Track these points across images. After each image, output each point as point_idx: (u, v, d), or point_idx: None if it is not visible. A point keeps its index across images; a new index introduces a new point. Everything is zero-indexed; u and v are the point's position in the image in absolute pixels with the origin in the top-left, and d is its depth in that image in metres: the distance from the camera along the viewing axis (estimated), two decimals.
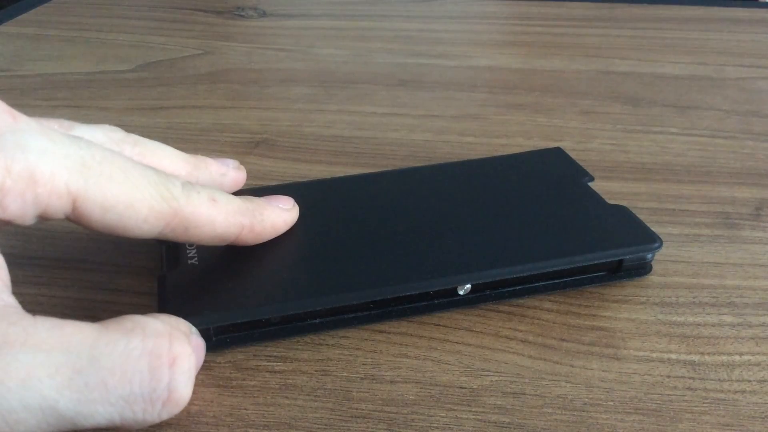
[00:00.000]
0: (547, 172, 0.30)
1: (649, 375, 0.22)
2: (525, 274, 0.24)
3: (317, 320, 0.23)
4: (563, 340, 0.23)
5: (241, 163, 0.28)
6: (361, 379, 0.22)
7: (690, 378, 0.22)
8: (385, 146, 0.36)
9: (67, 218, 0.20)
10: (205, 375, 0.22)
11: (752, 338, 0.24)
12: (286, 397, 0.21)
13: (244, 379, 0.22)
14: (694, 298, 0.25)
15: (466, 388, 0.22)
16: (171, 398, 0.18)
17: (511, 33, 0.55)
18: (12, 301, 0.18)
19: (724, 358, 0.23)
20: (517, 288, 0.25)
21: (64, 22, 0.57)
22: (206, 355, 0.22)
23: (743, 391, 0.21)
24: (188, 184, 0.22)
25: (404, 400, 0.21)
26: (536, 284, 0.25)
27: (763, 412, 0.21)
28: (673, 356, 0.23)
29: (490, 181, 0.29)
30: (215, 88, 0.44)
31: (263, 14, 0.59)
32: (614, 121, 0.39)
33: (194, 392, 0.21)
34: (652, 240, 0.25)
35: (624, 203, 0.27)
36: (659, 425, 0.20)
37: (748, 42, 0.51)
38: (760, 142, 0.37)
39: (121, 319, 0.19)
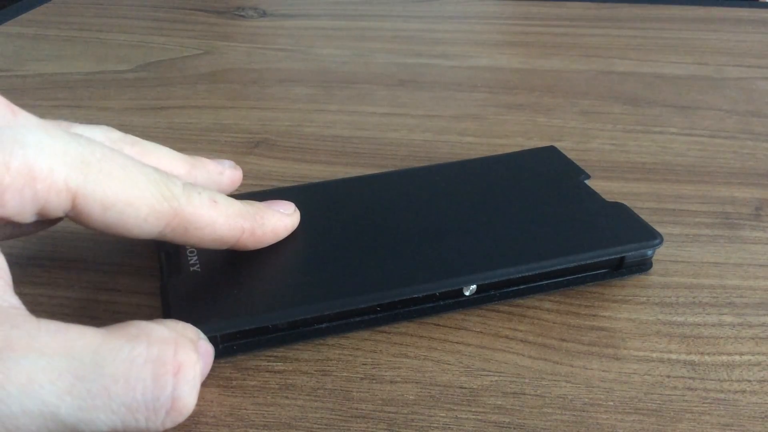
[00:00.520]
0: (543, 170, 0.30)
1: (649, 375, 0.22)
2: (531, 273, 0.24)
3: (324, 325, 0.23)
4: (563, 340, 0.23)
5: (241, 163, 0.28)
6: (361, 379, 0.22)
7: (690, 378, 0.22)
8: (385, 146, 0.36)
9: (67, 216, 0.20)
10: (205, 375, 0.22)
11: (752, 338, 0.24)
12: (286, 397, 0.21)
13: (244, 379, 0.22)
14: (694, 298, 0.25)
15: (466, 388, 0.22)
16: (175, 407, 0.18)
17: (511, 33, 0.55)
18: (16, 302, 0.18)
19: (724, 358, 0.23)
20: (522, 287, 0.25)
21: (64, 22, 0.57)
22: None
23: (743, 391, 0.21)
24: (189, 185, 0.22)
25: (404, 400, 0.21)
26: (540, 283, 0.25)
27: (763, 412, 0.21)
28: (673, 356, 0.23)
29: (489, 181, 0.29)
30: (215, 88, 0.44)
31: (263, 14, 0.59)
32: (614, 121, 0.39)
33: None
34: (652, 236, 0.25)
35: (624, 203, 0.27)
36: (659, 425, 0.20)
37: (748, 42, 0.51)
38: (760, 142, 0.37)
39: (127, 324, 0.18)
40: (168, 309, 0.22)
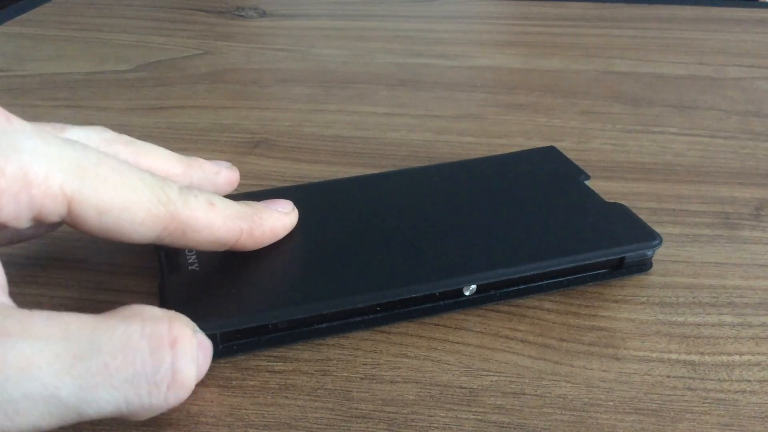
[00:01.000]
0: (543, 171, 0.30)
1: (649, 375, 0.22)
2: (531, 273, 0.24)
3: (324, 325, 0.23)
4: (563, 340, 0.23)
5: (241, 163, 0.28)
6: (361, 379, 0.22)
7: (690, 378, 0.22)
8: (385, 146, 0.36)
9: (64, 221, 0.20)
10: (205, 375, 0.22)
11: (752, 338, 0.24)
12: (286, 397, 0.21)
13: (244, 379, 0.22)
14: (694, 298, 0.25)
15: (466, 388, 0.22)
16: (175, 380, 0.18)
17: (511, 33, 0.55)
18: (8, 301, 0.18)
19: (724, 358, 0.23)
20: (522, 287, 0.25)
21: (64, 22, 0.57)
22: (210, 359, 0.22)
23: (743, 391, 0.21)
24: (185, 188, 0.22)
25: (404, 400, 0.21)
26: (540, 283, 0.25)
27: (763, 412, 0.21)
28: (673, 356, 0.23)
29: (488, 181, 0.29)
30: (215, 88, 0.44)
31: (263, 14, 0.59)
32: (614, 121, 0.39)
33: (194, 392, 0.21)
34: (651, 237, 0.25)
35: (624, 203, 0.27)
36: (659, 425, 0.20)
37: (748, 42, 0.51)
38: (760, 142, 0.36)
39: (119, 308, 0.19)
40: (166, 308, 0.22)
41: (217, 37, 0.54)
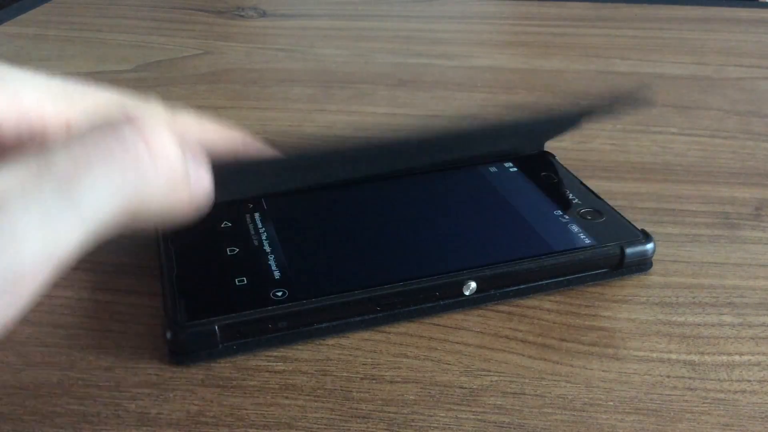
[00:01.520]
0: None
1: (649, 375, 0.22)
2: (529, 269, 0.24)
3: (324, 325, 0.23)
4: (563, 340, 0.23)
5: None
6: (361, 379, 0.22)
7: (690, 378, 0.22)
8: None
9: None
10: (204, 375, 0.22)
11: (752, 338, 0.24)
12: (286, 397, 0.21)
13: (244, 379, 0.22)
14: (694, 298, 0.25)
15: (466, 388, 0.22)
16: (151, 149, 0.16)
17: (511, 33, 0.55)
18: None
19: (724, 358, 0.23)
20: (521, 287, 0.25)
21: (64, 22, 0.57)
22: (207, 357, 0.22)
23: (743, 391, 0.21)
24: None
25: (404, 400, 0.21)
26: (540, 282, 0.25)
27: (763, 412, 0.21)
28: (673, 356, 0.23)
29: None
30: (215, 88, 0.44)
31: (263, 14, 0.59)
32: (614, 121, 0.39)
33: (194, 392, 0.21)
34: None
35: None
36: (659, 425, 0.20)
37: (748, 42, 0.51)
38: (760, 142, 0.36)
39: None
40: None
41: (217, 37, 0.54)
